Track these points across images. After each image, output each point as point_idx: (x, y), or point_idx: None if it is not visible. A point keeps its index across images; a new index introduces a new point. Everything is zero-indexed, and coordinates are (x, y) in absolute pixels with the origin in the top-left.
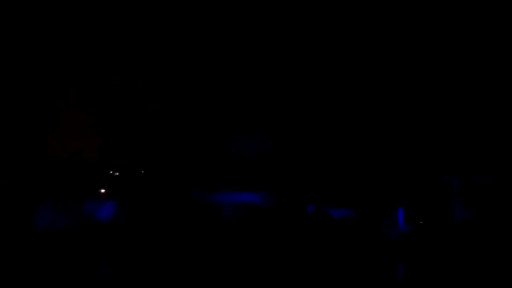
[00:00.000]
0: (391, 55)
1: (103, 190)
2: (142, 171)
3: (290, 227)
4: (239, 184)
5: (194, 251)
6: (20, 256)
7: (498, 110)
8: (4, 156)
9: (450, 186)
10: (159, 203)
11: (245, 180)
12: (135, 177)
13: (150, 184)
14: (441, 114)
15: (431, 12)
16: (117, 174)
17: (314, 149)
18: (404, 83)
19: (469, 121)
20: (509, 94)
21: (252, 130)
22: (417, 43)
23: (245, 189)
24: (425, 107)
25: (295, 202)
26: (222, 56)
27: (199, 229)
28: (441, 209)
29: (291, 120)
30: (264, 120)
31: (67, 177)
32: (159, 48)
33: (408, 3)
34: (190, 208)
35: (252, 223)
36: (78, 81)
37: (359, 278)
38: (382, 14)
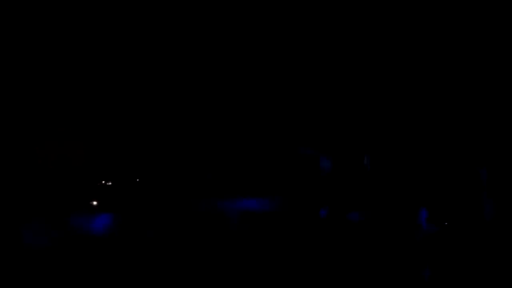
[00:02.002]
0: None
1: (95, 202)
2: (137, 180)
3: (302, 234)
4: (245, 190)
5: (197, 264)
6: (8, 274)
7: None
8: None
9: (477, 182)
10: (157, 214)
11: (252, 185)
12: (129, 187)
13: (146, 193)
14: (464, 107)
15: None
16: (110, 184)
17: (327, 149)
18: (423, 78)
19: (491, 115)
20: None
21: (259, 132)
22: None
23: (251, 195)
24: (448, 101)
25: (305, 206)
26: (223, 53)
27: (203, 240)
28: (468, 207)
29: (300, 119)
30: (272, 122)
31: (56, 188)
32: (153, 48)
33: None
34: (192, 218)
35: (261, 230)
36: (67, 88)
37: (381, 283)
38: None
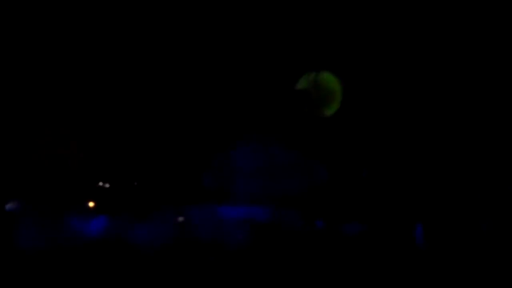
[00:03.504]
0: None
1: (92, 203)
2: (135, 183)
3: (298, 244)
4: (240, 198)
5: (193, 269)
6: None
7: None
8: None
9: (477, 197)
10: (154, 217)
11: (246, 193)
12: (127, 189)
13: (144, 197)
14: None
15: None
16: (108, 186)
17: (323, 159)
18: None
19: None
20: None
21: (256, 137)
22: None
23: (246, 203)
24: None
25: (301, 216)
26: (222, 56)
27: (198, 245)
28: (466, 224)
29: (297, 126)
30: (269, 127)
31: (52, 189)
32: (147, 50)
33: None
34: (189, 223)
35: (255, 239)
36: (62, 87)
37: None
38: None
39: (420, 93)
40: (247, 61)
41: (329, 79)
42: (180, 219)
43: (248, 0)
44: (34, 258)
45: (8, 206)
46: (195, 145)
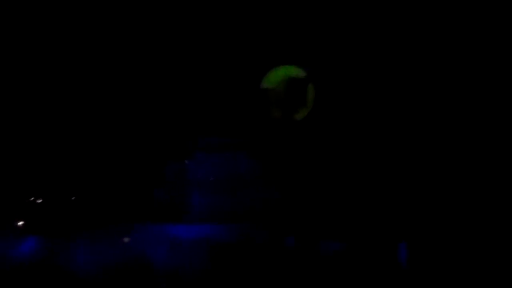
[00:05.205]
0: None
1: (21, 222)
2: (73, 198)
3: (264, 266)
4: (197, 214)
5: None
6: None
7: None
8: None
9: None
10: (95, 238)
11: (205, 208)
12: (63, 205)
13: (83, 213)
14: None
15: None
16: (40, 201)
17: (294, 167)
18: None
19: None
20: None
21: (216, 143)
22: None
23: (204, 220)
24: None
25: (269, 233)
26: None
27: (147, 271)
28: (453, 243)
29: (264, 129)
30: (230, 130)
31: None
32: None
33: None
34: (136, 245)
35: (215, 263)
36: None
37: None
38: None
39: (402, 98)
40: (203, 53)
41: (299, 75)
42: (126, 239)
43: None
44: None
45: None
46: (143, 152)
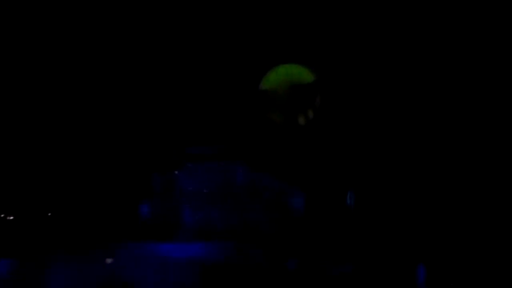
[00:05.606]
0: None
1: None
2: (49, 213)
3: None
4: (187, 232)
5: None
6: None
7: None
8: None
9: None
10: (76, 259)
11: (196, 226)
12: (38, 222)
13: (62, 232)
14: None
15: None
16: (11, 218)
17: (296, 180)
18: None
19: None
20: None
21: (209, 153)
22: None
23: (195, 239)
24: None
25: (270, 255)
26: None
27: None
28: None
29: (263, 137)
30: (225, 138)
31: None
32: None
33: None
34: (120, 266)
35: (207, 285)
36: None
37: None
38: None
39: (408, 107)
40: (197, 55)
41: (302, 75)
42: (109, 260)
43: None
44: None
45: None
46: (129, 164)
